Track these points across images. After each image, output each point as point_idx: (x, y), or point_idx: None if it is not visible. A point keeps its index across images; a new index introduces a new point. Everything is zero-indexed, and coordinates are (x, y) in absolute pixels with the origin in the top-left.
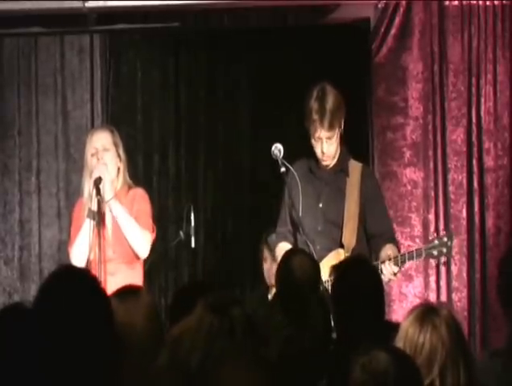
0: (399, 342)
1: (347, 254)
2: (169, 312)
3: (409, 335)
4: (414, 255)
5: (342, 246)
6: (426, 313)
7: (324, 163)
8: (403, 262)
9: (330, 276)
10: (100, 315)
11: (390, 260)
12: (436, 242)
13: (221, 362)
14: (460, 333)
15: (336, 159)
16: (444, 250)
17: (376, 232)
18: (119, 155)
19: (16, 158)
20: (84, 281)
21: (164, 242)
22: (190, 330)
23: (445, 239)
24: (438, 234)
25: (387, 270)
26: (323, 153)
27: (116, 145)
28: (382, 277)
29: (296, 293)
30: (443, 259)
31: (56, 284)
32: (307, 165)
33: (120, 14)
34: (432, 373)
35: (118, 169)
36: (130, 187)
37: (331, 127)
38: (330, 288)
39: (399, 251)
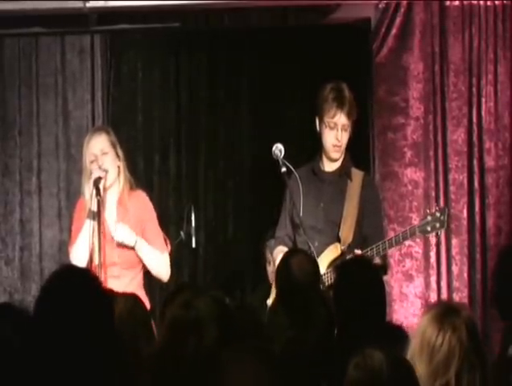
0: (415, 340)
1: (343, 247)
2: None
3: (427, 335)
4: (408, 234)
5: (339, 241)
6: (446, 313)
7: (333, 156)
8: (398, 243)
9: (328, 268)
10: (101, 315)
11: (385, 242)
12: (429, 218)
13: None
14: (477, 335)
15: (339, 162)
16: (438, 225)
17: (368, 236)
18: (118, 155)
19: (17, 159)
20: (86, 280)
21: None
22: (162, 325)
23: (438, 214)
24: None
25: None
26: (337, 140)
27: (113, 145)
28: None
29: (297, 293)
30: (441, 233)
31: (58, 284)
32: (310, 167)
33: (121, 15)
34: (448, 374)
35: (118, 168)
36: (131, 187)
37: (349, 115)
38: (328, 281)
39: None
